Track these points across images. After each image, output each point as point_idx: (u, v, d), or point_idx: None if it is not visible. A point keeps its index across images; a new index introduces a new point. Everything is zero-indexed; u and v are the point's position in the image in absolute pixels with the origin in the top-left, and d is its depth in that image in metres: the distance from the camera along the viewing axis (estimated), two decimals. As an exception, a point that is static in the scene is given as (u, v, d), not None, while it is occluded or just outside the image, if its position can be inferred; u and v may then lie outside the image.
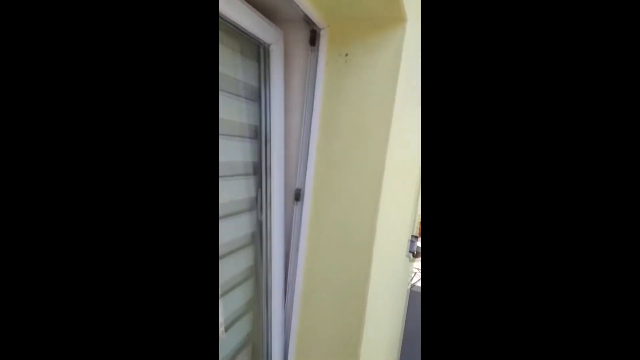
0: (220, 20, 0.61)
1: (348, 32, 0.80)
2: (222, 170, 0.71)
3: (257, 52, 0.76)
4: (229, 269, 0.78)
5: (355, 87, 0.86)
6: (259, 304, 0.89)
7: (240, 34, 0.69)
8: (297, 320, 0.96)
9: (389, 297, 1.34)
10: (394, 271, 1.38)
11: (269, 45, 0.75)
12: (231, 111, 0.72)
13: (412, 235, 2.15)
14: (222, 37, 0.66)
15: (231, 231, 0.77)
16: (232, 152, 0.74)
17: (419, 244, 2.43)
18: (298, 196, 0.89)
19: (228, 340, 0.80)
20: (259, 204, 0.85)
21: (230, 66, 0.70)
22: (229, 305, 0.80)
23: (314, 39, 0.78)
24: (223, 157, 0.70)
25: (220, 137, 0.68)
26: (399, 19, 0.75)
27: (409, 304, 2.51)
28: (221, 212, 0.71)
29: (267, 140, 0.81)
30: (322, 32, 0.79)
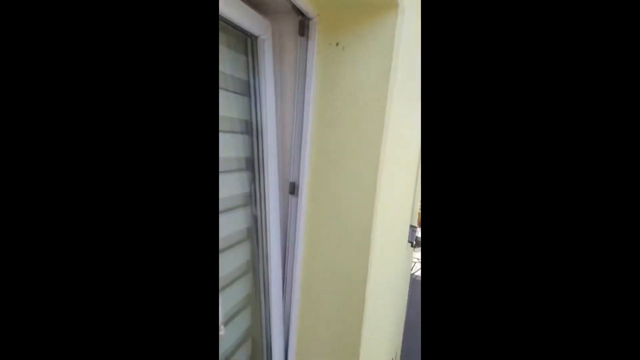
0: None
1: (338, 21, 0.79)
2: (214, 166, 0.70)
3: (245, 44, 0.75)
4: (226, 265, 0.78)
5: (348, 77, 0.84)
6: (257, 298, 0.90)
7: (226, 26, 0.68)
8: (296, 313, 0.96)
9: (389, 286, 1.35)
10: (394, 260, 1.38)
11: (256, 37, 0.74)
12: (221, 106, 0.71)
13: (411, 225, 2.15)
14: (208, 30, 0.65)
15: (226, 227, 0.76)
16: (223, 148, 0.73)
17: (418, 234, 2.43)
18: (293, 189, 0.88)
19: (227, 335, 0.81)
20: (253, 198, 0.84)
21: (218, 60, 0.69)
22: (227, 301, 0.80)
23: (302, 29, 0.76)
24: (214, 153, 0.70)
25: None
26: (392, 4, 0.74)
27: (410, 292, 2.53)
28: (215, 208, 0.71)
29: (260, 134, 0.80)
30: (311, 22, 0.77)
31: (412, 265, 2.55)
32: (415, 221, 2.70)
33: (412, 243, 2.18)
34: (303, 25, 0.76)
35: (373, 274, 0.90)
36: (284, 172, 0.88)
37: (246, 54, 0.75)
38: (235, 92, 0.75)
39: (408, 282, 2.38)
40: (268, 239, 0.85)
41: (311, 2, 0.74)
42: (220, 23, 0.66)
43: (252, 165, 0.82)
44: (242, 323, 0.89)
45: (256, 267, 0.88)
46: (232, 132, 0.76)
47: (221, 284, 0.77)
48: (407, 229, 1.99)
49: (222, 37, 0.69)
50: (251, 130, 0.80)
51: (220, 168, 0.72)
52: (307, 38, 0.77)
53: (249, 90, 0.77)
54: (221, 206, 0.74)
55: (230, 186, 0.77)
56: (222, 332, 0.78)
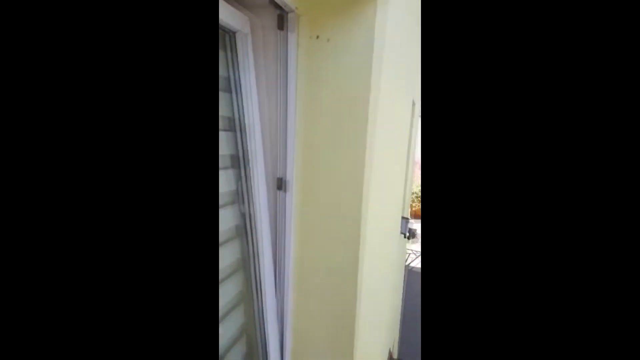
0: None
1: (318, 13, 0.78)
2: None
3: (223, 40, 0.74)
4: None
5: (330, 69, 0.84)
6: (250, 295, 0.90)
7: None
8: (290, 308, 0.97)
9: (383, 277, 1.36)
10: (387, 252, 1.40)
11: (234, 32, 0.73)
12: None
13: (403, 217, 2.16)
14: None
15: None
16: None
17: (411, 225, 2.44)
18: (281, 185, 0.88)
19: (222, 332, 0.81)
20: (241, 196, 0.84)
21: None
22: (220, 298, 0.80)
23: (282, 23, 0.75)
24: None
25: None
26: (369, -5, 0.73)
27: (407, 283, 2.56)
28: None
29: (244, 131, 0.79)
30: (290, 16, 0.76)
31: (407, 256, 2.57)
32: (408, 213, 2.72)
33: (405, 235, 2.20)
34: (282, 18, 0.75)
35: (365, 266, 0.91)
36: (271, 168, 0.87)
37: (225, 50, 0.74)
38: (217, 89, 0.74)
39: (403, 273, 2.40)
40: (258, 235, 0.85)
41: (289, -5, 0.73)
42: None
43: (238, 162, 0.82)
44: (236, 320, 0.89)
45: (247, 264, 0.88)
46: (216, 129, 0.75)
47: (212, 282, 0.76)
48: (399, 221, 2.01)
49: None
50: (235, 126, 0.79)
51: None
52: (287, 31, 0.77)
53: (230, 87, 0.76)
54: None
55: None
56: (215, 330, 0.78)
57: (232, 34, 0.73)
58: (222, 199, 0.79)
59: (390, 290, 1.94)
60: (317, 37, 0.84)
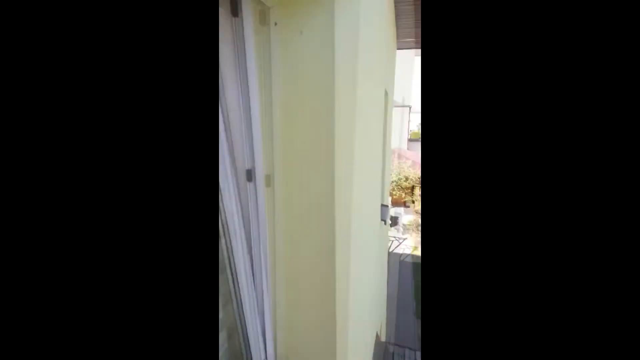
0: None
1: (272, -1, 0.77)
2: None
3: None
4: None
5: (291, 56, 0.83)
6: (227, 289, 0.89)
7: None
8: (269, 300, 0.96)
9: (363, 260, 1.38)
10: (364, 237, 1.41)
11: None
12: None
13: (383, 204, 2.20)
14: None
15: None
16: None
17: (392, 212, 2.48)
18: (250, 177, 0.87)
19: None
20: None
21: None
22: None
23: (235, 9, 0.74)
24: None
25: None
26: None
27: (391, 268, 2.60)
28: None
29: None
30: (244, 1, 0.74)
31: (390, 243, 2.62)
32: (387, 200, 2.76)
33: (385, 221, 2.24)
34: (235, 4, 0.74)
35: (341, 251, 0.92)
36: (237, 160, 0.86)
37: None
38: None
39: (386, 258, 2.45)
40: (230, 228, 0.84)
41: (240, -20, 0.71)
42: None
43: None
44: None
45: (222, 257, 0.87)
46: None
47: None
48: (378, 208, 2.04)
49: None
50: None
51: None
52: (242, 19, 0.75)
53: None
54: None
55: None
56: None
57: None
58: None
59: (373, 275, 1.97)
60: (275, 23, 0.83)
